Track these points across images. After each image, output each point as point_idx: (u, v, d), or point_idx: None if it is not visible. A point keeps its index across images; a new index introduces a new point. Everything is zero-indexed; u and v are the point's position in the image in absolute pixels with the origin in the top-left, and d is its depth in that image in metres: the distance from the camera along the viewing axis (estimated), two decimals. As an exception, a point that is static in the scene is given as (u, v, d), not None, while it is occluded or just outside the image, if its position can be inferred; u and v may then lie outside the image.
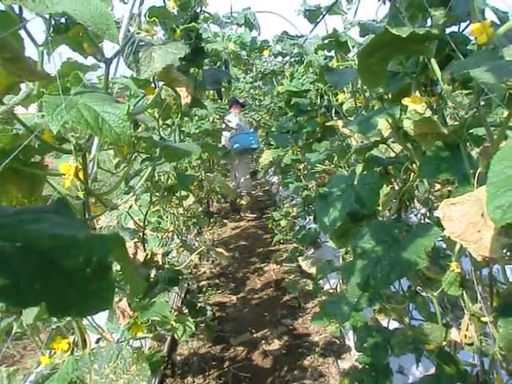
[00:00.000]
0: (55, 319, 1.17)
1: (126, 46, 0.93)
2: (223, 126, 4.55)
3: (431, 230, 0.82)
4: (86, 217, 0.82)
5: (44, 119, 0.56)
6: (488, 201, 0.41)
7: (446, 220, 0.65)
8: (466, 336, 0.99)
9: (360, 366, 1.44)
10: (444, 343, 1.06)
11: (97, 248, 0.25)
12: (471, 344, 0.98)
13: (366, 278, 0.82)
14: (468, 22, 0.89)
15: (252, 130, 6.28)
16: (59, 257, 0.24)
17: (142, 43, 1.05)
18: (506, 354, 0.87)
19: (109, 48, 0.82)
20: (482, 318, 0.92)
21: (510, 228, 0.60)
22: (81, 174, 0.77)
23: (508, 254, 0.80)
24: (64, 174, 0.74)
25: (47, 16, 0.70)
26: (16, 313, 1.05)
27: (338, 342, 2.62)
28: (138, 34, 0.97)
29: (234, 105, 5.91)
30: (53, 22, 0.72)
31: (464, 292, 0.96)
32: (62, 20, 0.74)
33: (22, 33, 0.63)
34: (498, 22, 0.88)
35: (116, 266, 1.33)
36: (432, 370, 1.08)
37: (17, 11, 0.61)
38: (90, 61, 0.86)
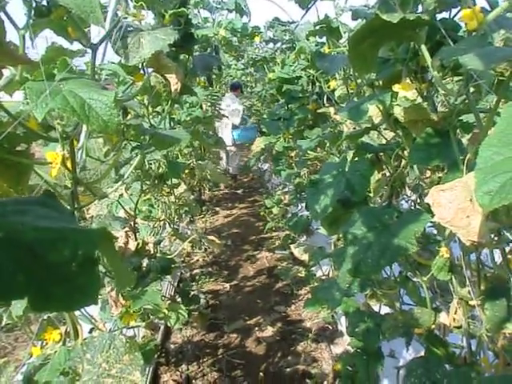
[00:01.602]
0: (47, 309, 1.16)
1: (113, 31, 0.91)
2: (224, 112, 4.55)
3: (421, 216, 0.82)
4: (75, 206, 0.82)
5: (28, 106, 0.55)
6: (476, 186, 0.41)
7: (435, 206, 0.66)
8: (454, 319, 1.01)
9: (352, 351, 1.47)
10: (433, 327, 1.08)
11: (83, 242, 0.25)
12: (459, 327, 1.00)
13: (356, 264, 0.83)
14: (459, 8, 0.89)
15: (251, 123, 6.37)
16: (44, 250, 0.23)
17: (130, 28, 1.03)
18: (492, 335, 0.89)
19: (95, 33, 0.80)
20: (470, 302, 0.94)
21: (498, 213, 0.60)
22: (68, 163, 0.76)
23: (495, 238, 0.81)
24: (51, 163, 0.72)
25: (27, -3, 0.68)
26: (5, 304, 1.05)
27: (331, 327, 2.65)
28: (126, 18, 0.95)
29: (240, 89, 6.13)
30: (34, 5, 0.70)
31: (453, 277, 0.97)
32: (44, 2, 0.71)
33: (2, 16, 0.62)
34: (489, 9, 0.88)
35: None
36: (422, 353, 1.10)
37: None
38: (77, 46, 0.84)
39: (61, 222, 0.29)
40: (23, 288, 0.22)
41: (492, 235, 0.84)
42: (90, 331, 1.37)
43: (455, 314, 1.00)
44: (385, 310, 1.44)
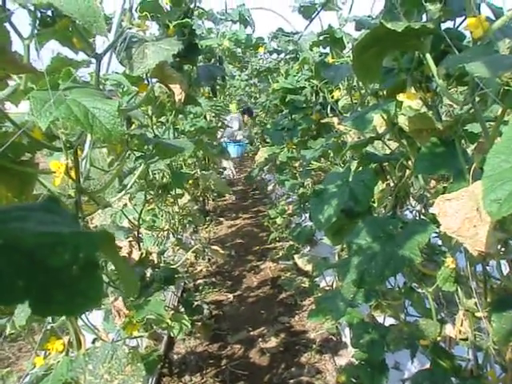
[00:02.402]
0: (49, 319, 1.16)
1: (117, 41, 0.92)
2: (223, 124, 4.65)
3: (426, 227, 0.82)
4: (79, 215, 0.81)
5: (33, 116, 0.55)
6: (484, 194, 0.40)
7: (441, 216, 0.65)
8: (460, 331, 0.99)
9: (356, 362, 1.45)
10: (439, 339, 1.06)
11: (83, 245, 0.24)
12: (466, 339, 0.99)
13: (360, 275, 0.82)
14: (463, 17, 0.89)
15: (242, 141, 6.62)
16: (43, 255, 0.23)
17: (135, 39, 1.03)
18: (499, 348, 0.87)
19: (100, 43, 0.81)
20: (477, 314, 0.92)
21: (506, 222, 0.59)
22: (72, 172, 0.76)
23: (502, 249, 0.80)
24: (54, 172, 0.72)
25: (32, 8, 0.68)
26: (9, 314, 1.04)
27: (335, 338, 2.62)
28: (130, 29, 0.96)
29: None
30: (39, 15, 0.70)
31: (459, 288, 0.96)
32: (49, 13, 0.72)
33: (8, 26, 0.62)
34: (493, 18, 0.88)
35: (111, 266, 1.32)
36: (427, 366, 1.08)
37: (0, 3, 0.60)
38: (82, 56, 0.85)
39: (62, 227, 0.29)
40: (23, 293, 0.22)
41: (499, 246, 0.83)
42: (93, 342, 1.36)
43: (461, 325, 0.99)
44: (389, 321, 1.42)
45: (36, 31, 0.66)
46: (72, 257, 0.24)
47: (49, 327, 1.17)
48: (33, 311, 0.22)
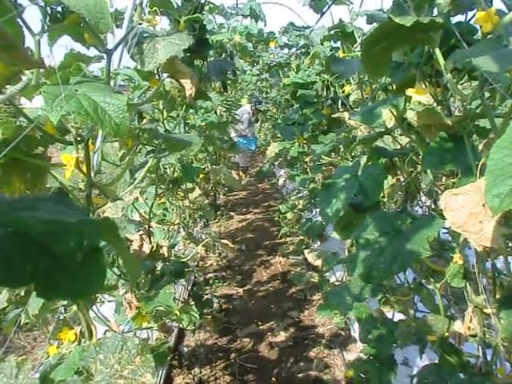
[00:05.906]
0: (62, 310, 1.19)
1: (127, 36, 0.93)
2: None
3: (434, 221, 0.81)
4: (90, 208, 0.83)
5: (44, 110, 0.56)
6: (486, 189, 0.40)
7: (447, 210, 0.65)
8: (469, 328, 0.99)
9: (365, 357, 1.45)
10: (447, 334, 1.06)
11: (87, 232, 0.25)
12: (475, 335, 0.98)
13: (368, 269, 0.82)
14: (475, 11, 0.88)
15: (253, 137, 6.85)
16: (50, 241, 0.24)
17: (146, 34, 1.04)
18: (508, 345, 0.87)
19: (111, 38, 0.82)
20: (485, 310, 0.92)
21: (510, 218, 0.59)
22: (83, 166, 0.77)
23: (510, 245, 0.80)
24: (65, 165, 0.74)
25: (42, 4, 0.70)
26: (24, 304, 1.07)
27: (344, 333, 2.63)
28: (141, 24, 0.97)
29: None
30: (49, 11, 0.72)
31: (467, 284, 0.95)
32: (59, 9, 0.73)
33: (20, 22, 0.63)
34: (506, 11, 0.87)
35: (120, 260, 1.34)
36: (437, 362, 1.08)
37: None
38: (93, 52, 0.86)
39: (68, 215, 0.30)
40: (30, 277, 0.23)
41: (508, 242, 0.82)
42: (105, 333, 1.38)
43: (470, 322, 0.98)
44: (398, 317, 1.42)
45: (46, 27, 0.68)
46: (76, 244, 0.25)
47: (61, 317, 1.20)
48: (38, 294, 0.24)
